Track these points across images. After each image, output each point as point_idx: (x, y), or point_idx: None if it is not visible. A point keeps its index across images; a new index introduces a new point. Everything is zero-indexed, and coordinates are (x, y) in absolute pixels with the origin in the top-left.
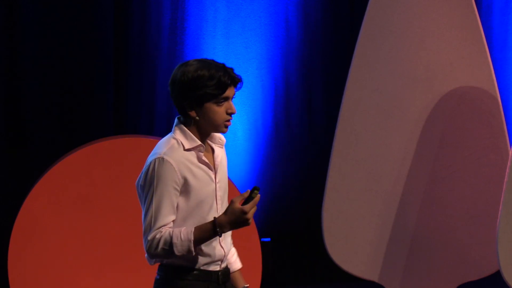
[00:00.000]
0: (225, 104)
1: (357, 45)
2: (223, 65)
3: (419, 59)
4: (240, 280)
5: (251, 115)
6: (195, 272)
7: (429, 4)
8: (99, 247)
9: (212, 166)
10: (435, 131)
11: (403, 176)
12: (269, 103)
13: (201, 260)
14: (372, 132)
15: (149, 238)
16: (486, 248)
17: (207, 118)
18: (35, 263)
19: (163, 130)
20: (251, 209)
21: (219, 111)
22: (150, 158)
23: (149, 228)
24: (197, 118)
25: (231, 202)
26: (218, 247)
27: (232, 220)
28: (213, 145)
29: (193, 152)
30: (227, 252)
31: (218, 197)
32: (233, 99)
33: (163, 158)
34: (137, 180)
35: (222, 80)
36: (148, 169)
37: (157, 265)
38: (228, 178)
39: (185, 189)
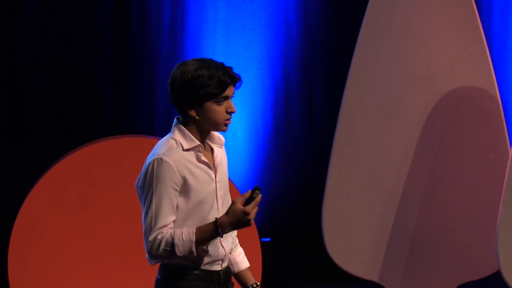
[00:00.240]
0: (225, 103)
1: (357, 45)
2: (222, 64)
3: (419, 59)
4: (249, 278)
5: (251, 115)
6: (196, 272)
7: (429, 4)
8: (99, 247)
9: (212, 166)
10: (435, 131)
11: (403, 176)
12: (269, 103)
13: (202, 260)
14: (372, 132)
15: (150, 239)
16: (486, 248)
17: (207, 118)
18: (35, 263)
19: (163, 130)
20: (252, 210)
21: (219, 110)
22: (149, 159)
23: (149, 229)
24: (197, 117)
25: (232, 203)
26: (219, 246)
27: (233, 221)
28: (213, 145)
29: (192, 152)
30: (228, 251)
31: (218, 197)
32: (232, 98)
33: (161, 159)
34: (136, 181)
35: (222, 79)
36: (147, 170)
37: (157, 265)
38: (228, 178)
39: (185, 189)
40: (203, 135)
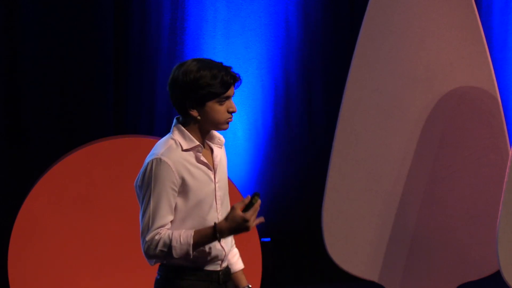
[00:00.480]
0: (226, 102)
1: (357, 45)
2: (221, 63)
3: (419, 59)
4: (242, 280)
5: (251, 115)
6: (196, 272)
7: (429, 4)
8: (99, 247)
9: (211, 166)
10: (435, 131)
11: (403, 176)
12: (269, 103)
13: (202, 260)
14: (372, 132)
15: (147, 239)
16: (486, 248)
17: (209, 117)
18: (35, 263)
19: (163, 130)
20: (252, 216)
21: (221, 110)
22: (148, 159)
23: (147, 228)
24: (199, 117)
25: (232, 209)
26: (218, 247)
27: (232, 227)
28: (212, 145)
29: (191, 153)
30: (227, 251)
31: (217, 197)
32: (232, 98)
33: (160, 159)
34: (135, 181)
35: (224, 79)
36: (145, 170)
37: (157, 265)
38: (228, 178)
39: (183, 189)
40: (203, 135)
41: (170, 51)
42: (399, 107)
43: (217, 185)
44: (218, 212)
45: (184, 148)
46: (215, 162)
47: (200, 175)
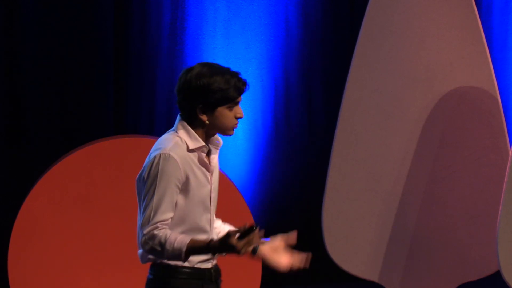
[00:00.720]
0: (235, 109)
1: (357, 45)
2: (229, 69)
3: (419, 59)
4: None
5: (251, 115)
6: (188, 270)
7: (429, 4)
8: (99, 247)
9: (209, 167)
10: (435, 131)
11: (403, 176)
12: (269, 103)
13: (194, 258)
14: (372, 132)
15: (145, 232)
16: (486, 248)
17: (218, 123)
18: (35, 263)
19: (163, 130)
20: (244, 246)
21: (229, 115)
22: (154, 153)
23: (147, 222)
24: (207, 122)
25: (227, 235)
26: None
27: (224, 251)
28: (210, 147)
29: (195, 153)
30: None
31: (212, 198)
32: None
33: (169, 154)
34: (138, 174)
35: (237, 84)
36: (152, 163)
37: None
38: (224, 173)
39: (185, 187)
40: (208, 138)
41: (170, 51)
42: (399, 107)
43: (212, 186)
44: (211, 213)
45: (191, 147)
46: (212, 163)
47: (201, 176)
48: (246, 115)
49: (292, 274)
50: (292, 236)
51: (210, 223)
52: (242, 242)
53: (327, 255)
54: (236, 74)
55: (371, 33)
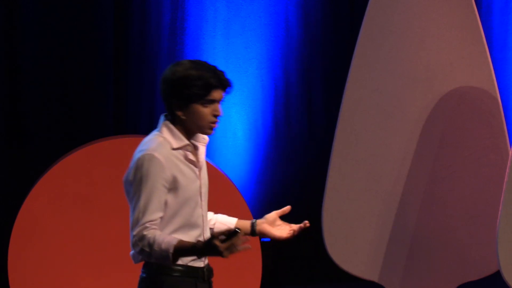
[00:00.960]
0: (212, 106)
1: (357, 45)
2: (215, 67)
3: (419, 59)
4: (245, 223)
5: (251, 115)
6: (181, 268)
7: (429, 4)
8: (99, 247)
9: (197, 164)
10: (435, 131)
11: (403, 176)
12: (269, 103)
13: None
14: (372, 132)
15: (134, 233)
16: (486, 248)
17: (193, 119)
18: (35, 263)
19: None
20: (226, 249)
21: (205, 112)
22: (138, 154)
23: (136, 223)
24: (184, 117)
25: (211, 237)
26: None
27: (206, 252)
28: (197, 143)
29: (180, 151)
30: None
31: (202, 194)
32: (222, 102)
33: (152, 155)
34: (124, 176)
35: (209, 81)
36: (137, 165)
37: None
38: (224, 173)
39: (174, 186)
40: (190, 135)
41: (170, 51)
42: (399, 107)
43: (201, 182)
44: (202, 209)
45: (174, 146)
46: (200, 160)
47: (188, 173)
48: (246, 115)
49: (292, 272)
50: (285, 209)
51: (203, 218)
52: (225, 245)
53: (327, 255)
54: (213, 71)
55: (371, 33)
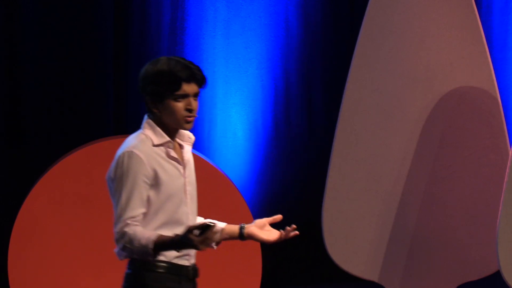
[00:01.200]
0: (185, 100)
1: (357, 45)
2: (190, 62)
3: (419, 59)
4: (233, 228)
5: (251, 115)
6: (165, 264)
7: (429, 4)
8: (99, 247)
9: (181, 161)
10: (435, 131)
11: (403, 176)
12: (269, 103)
13: (170, 253)
14: (372, 132)
15: (116, 230)
16: (486, 248)
17: (167, 114)
18: (35, 263)
19: None
20: (200, 242)
21: (178, 107)
22: (119, 152)
23: (117, 220)
24: (159, 114)
25: (187, 231)
26: None
27: (182, 244)
28: (182, 142)
29: (162, 148)
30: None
31: (187, 192)
32: (198, 96)
33: (132, 152)
34: (107, 174)
35: (178, 75)
36: (117, 163)
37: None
38: (224, 173)
39: (156, 182)
40: (170, 131)
41: (170, 51)
42: (399, 107)
43: (186, 180)
44: (188, 207)
45: (155, 143)
46: (185, 158)
47: (171, 169)
48: (246, 115)
49: (292, 272)
50: (276, 217)
51: (188, 216)
52: (200, 238)
53: (327, 255)
54: (185, 66)
55: (371, 33)
